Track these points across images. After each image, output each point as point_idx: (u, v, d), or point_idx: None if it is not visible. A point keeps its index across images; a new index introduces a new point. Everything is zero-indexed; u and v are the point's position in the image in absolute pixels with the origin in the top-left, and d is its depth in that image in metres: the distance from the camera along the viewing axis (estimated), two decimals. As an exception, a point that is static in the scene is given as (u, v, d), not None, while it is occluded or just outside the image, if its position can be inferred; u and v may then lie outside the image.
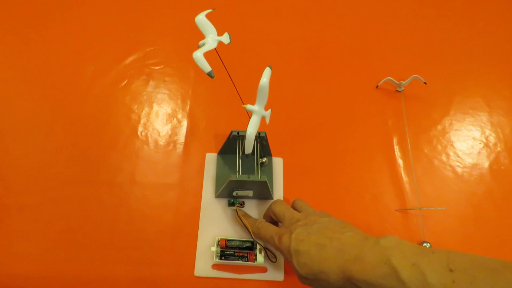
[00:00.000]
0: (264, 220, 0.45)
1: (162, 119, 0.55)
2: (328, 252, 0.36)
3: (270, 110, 0.38)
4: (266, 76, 0.35)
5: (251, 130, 0.37)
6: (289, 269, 0.46)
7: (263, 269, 0.46)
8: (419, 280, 0.31)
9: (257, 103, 0.36)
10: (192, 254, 0.46)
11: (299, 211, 0.43)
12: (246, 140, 0.37)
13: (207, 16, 0.35)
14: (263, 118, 0.38)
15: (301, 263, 0.37)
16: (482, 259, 0.31)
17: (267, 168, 0.51)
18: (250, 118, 0.38)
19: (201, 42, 0.35)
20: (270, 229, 0.42)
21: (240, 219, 0.45)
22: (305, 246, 0.37)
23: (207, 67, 0.33)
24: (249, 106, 0.37)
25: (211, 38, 0.35)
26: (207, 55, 0.34)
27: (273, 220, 0.45)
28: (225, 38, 0.35)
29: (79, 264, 0.45)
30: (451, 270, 0.30)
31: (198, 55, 0.33)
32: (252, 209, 0.49)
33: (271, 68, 0.35)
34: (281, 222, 0.43)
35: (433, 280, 0.30)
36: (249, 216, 0.47)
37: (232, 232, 0.48)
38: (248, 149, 0.38)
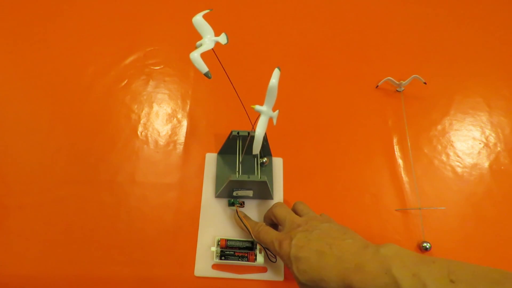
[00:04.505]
0: (264, 224, 0.44)
1: (162, 119, 0.55)
2: (328, 259, 0.35)
3: (277, 111, 0.38)
4: (275, 77, 0.35)
5: (260, 131, 0.36)
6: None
7: (263, 269, 0.46)
8: None
9: (265, 104, 0.36)
10: (192, 254, 0.46)
11: (300, 215, 0.43)
12: (254, 141, 0.37)
13: (205, 16, 0.35)
14: (270, 119, 0.38)
15: (301, 270, 0.36)
16: (483, 269, 0.31)
17: (267, 168, 0.51)
18: (256, 118, 0.38)
19: (198, 43, 0.35)
20: (270, 234, 0.41)
21: (241, 220, 0.45)
22: (305, 252, 0.37)
23: (204, 68, 0.33)
24: (257, 107, 0.37)
25: (208, 39, 0.35)
26: (207, 55, 0.34)
27: (274, 222, 0.45)
28: (222, 39, 0.35)
29: (79, 264, 0.45)
30: (452, 281, 0.30)
31: (195, 56, 0.33)
32: (252, 209, 0.49)
33: (279, 70, 0.35)
34: (282, 226, 0.42)
35: None
36: (249, 219, 0.47)
37: (232, 232, 0.48)
38: (256, 149, 0.38)
